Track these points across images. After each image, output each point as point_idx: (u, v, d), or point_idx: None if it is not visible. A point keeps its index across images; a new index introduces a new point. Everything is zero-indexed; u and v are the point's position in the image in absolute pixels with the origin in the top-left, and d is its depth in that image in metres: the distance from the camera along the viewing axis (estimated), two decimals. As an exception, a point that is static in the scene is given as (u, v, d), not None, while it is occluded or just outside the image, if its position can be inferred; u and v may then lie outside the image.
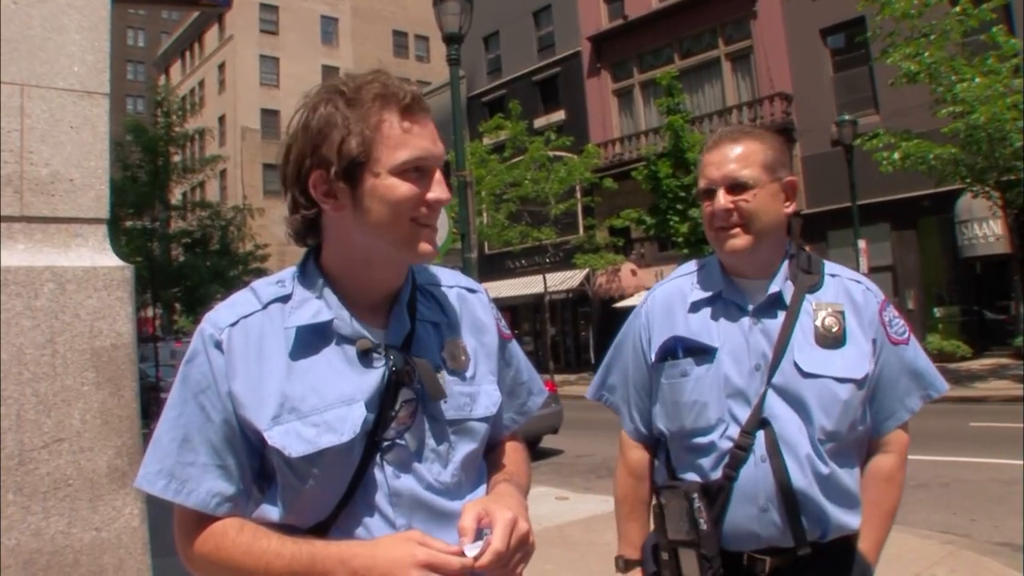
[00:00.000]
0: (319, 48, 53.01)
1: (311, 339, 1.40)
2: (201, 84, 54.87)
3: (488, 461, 1.60)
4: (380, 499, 1.39)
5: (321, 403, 1.36)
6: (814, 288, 2.00)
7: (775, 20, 25.24)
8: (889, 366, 1.99)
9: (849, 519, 1.96)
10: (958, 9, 15.16)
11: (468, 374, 1.52)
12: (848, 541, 1.98)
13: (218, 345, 1.38)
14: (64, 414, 2.45)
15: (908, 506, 7.35)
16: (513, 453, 1.67)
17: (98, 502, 2.51)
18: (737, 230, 1.97)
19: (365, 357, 1.41)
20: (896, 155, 15.86)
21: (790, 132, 24.32)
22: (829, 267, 2.06)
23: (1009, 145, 14.81)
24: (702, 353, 2.01)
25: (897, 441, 2.04)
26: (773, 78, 25.23)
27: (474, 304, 1.62)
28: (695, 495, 1.95)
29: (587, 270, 28.36)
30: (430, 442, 1.44)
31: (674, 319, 2.08)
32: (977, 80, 14.68)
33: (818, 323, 1.95)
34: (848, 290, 2.01)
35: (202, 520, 1.38)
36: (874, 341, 1.97)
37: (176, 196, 26.27)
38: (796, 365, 1.92)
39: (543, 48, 33.51)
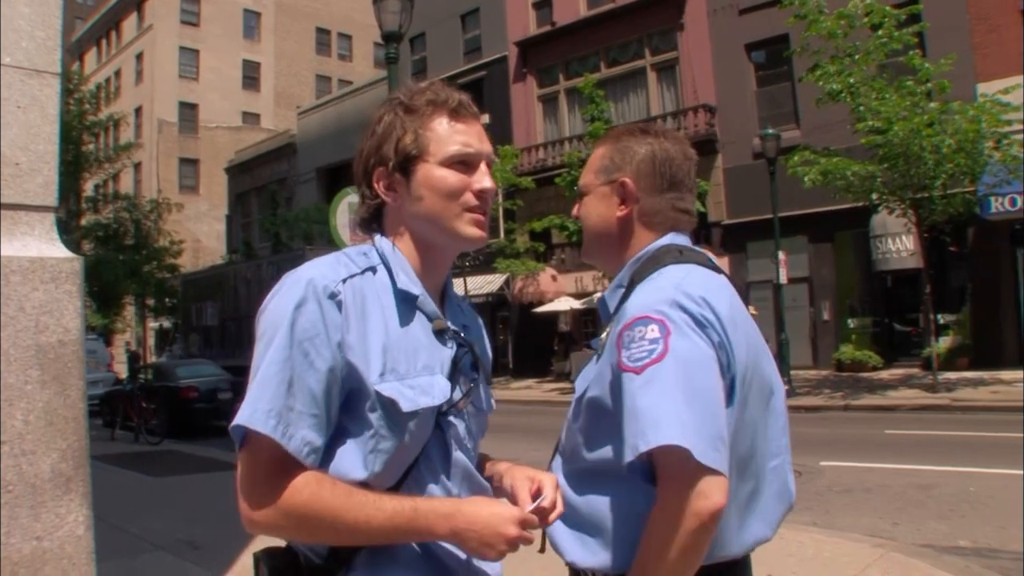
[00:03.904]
0: (240, 42, 52.02)
1: (404, 308, 1.52)
2: (118, 74, 53.17)
3: None
4: (441, 468, 1.53)
5: (412, 369, 1.48)
6: (624, 301, 1.77)
7: (701, 33, 25.72)
8: (618, 395, 1.63)
9: (574, 550, 1.73)
10: (881, 32, 15.66)
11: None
12: None
13: (332, 296, 1.42)
14: (5, 414, 2.26)
15: (836, 511, 7.61)
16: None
17: (40, 509, 2.32)
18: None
19: (440, 335, 1.56)
20: (814, 171, 16.29)
21: (713, 143, 24.82)
22: (653, 276, 1.73)
23: (923, 163, 15.36)
24: None
25: None
26: (697, 90, 25.70)
27: (474, 314, 1.84)
28: None
29: (507, 275, 28.26)
30: (471, 424, 1.63)
31: None
32: (894, 98, 15.22)
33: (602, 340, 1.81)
34: (624, 305, 1.75)
35: (291, 469, 1.38)
36: (611, 364, 1.68)
37: (89, 188, 25.26)
38: None
39: (469, 51, 33.47)
